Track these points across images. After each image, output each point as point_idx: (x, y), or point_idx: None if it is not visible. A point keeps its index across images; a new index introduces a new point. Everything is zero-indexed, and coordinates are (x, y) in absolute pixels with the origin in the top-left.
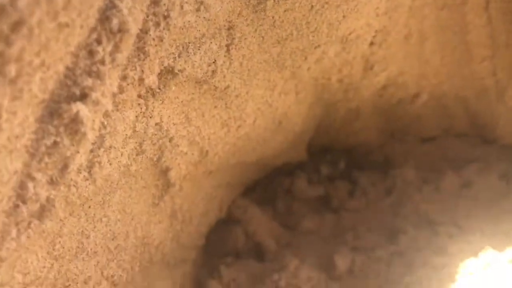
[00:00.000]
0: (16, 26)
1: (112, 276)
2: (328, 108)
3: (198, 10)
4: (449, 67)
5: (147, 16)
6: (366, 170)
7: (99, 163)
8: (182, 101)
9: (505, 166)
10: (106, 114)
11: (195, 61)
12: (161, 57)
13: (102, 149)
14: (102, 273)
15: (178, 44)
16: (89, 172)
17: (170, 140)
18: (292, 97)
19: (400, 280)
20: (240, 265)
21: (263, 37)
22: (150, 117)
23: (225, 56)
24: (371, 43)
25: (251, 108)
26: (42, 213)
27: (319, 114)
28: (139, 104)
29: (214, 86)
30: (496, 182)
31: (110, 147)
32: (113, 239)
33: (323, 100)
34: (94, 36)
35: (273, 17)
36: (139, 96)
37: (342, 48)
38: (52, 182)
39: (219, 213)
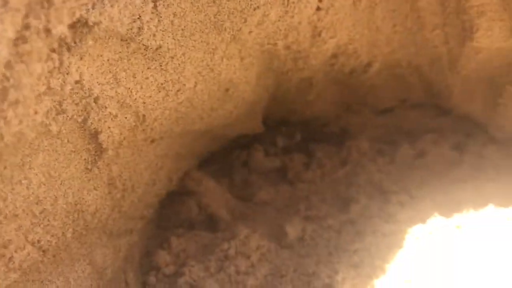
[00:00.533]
0: None
1: (39, 241)
2: (279, 78)
3: None
4: (401, 35)
5: None
6: (322, 142)
7: (4, 118)
8: (108, 60)
9: (459, 137)
10: (8, 65)
11: (113, 15)
12: (71, 7)
13: (6, 103)
14: (26, 237)
15: None
16: None
17: (95, 100)
18: (237, 63)
19: (350, 247)
20: (191, 235)
21: None
22: (67, 74)
23: (152, 12)
24: (318, 8)
25: (189, 71)
26: None
27: (271, 84)
28: (51, 58)
29: (144, 45)
30: (449, 152)
31: (17, 101)
32: (37, 203)
33: (273, 69)
34: None
35: None
36: (51, 49)
37: (285, 12)
38: None
39: (169, 184)
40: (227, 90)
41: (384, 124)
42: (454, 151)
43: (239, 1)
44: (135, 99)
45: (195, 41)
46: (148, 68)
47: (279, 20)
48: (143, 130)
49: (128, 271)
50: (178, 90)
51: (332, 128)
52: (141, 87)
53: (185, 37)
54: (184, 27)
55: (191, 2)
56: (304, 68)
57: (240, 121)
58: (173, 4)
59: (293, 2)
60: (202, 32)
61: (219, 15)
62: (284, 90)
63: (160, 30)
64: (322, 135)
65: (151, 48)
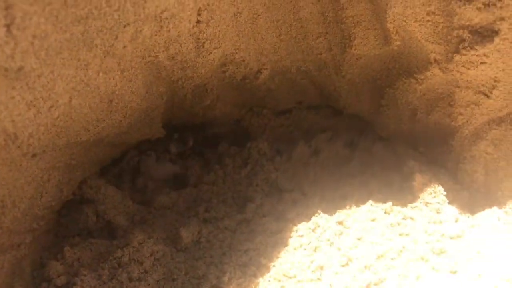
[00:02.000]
0: None
1: None
2: (172, 86)
3: None
4: (287, 43)
5: None
6: (225, 144)
7: None
8: None
9: (351, 135)
10: None
11: None
12: None
13: None
14: None
15: None
16: None
17: None
18: (117, 75)
19: (241, 247)
20: (87, 244)
21: (56, 16)
22: None
23: (6, 36)
24: (198, 21)
25: (61, 87)
26: None
27: (165, 92)
28: None
29: (3, 67)
30: (341, 150)
31: None
32: None
33: (163, 78)
34: None
35: None
36: None
37: (159, 27)
38: None
39: (60, 195)
40: (110, 101)
41: (283, 125)
42: (347, 149)
43: (107, 19)
44: (1, 118)
45: (63, 59)
46: (12, 88)
47: (155, 35)
48: (18, 146)
49: (16, 286)
50: (51, 107)
51: (235, 129)
52: (7, 107)
53: (51, 56)
54: (48, 46)
55: (53, 24)
56: (194, 77)
57: (135, 129)
58: (30, 27)
59: (166, 18)
60: (71, 50)
61: (87, 33)
62: (180, 96)
63: (19, 52)
64: (224, 137)
65: (11, 70)
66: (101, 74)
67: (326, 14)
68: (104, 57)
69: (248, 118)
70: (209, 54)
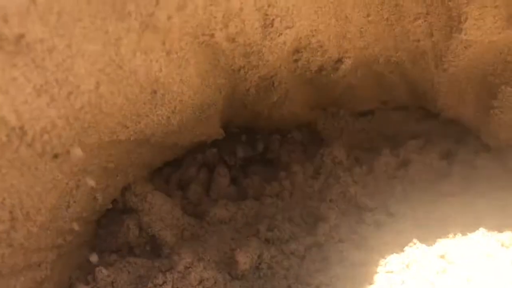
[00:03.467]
0: None
1: None
2: (232, 77)
3: None
4: (376, 26)
5: None
6: (292, 150)
7: None
8: None
9: (447, 144)
10: None
11: None
12: None
13: None
14: None
15: None
16: None
17: None
18: (161, 58)
19: (312, 280)
20: (124, 264)
21: None
22: None
23: None
24: None
25: (83, 69)
26: None
27: (224, 84)
28: None
29: None
30: (436, 161)
31: None
32: None
33: (221, 66)
34: None
35: None
36: None
37: None
38: None
39: (95, 204)
40: (154, 91)
41: (363, 129)
42: (443, 160)
43: None
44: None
45: (84, 28)
46: (13, 66)
47: (210, 5)
48: (29, 145)
49: None
50: (69, 93)
51: (304, 133)
52: (6, 91)
53: (65, 23)
54: (60, 9)
55: None
56: (259, 65)
57: (188, 128)
58: None
59: None
60: (94, 17)
61: None
62: (242, 91)
63: (17, 13)
64: (292, 142)
65: (8, 38)
66: (138, 54)
67: None
68: (142, 31)
69: (322, 120)
70: (278, 36)
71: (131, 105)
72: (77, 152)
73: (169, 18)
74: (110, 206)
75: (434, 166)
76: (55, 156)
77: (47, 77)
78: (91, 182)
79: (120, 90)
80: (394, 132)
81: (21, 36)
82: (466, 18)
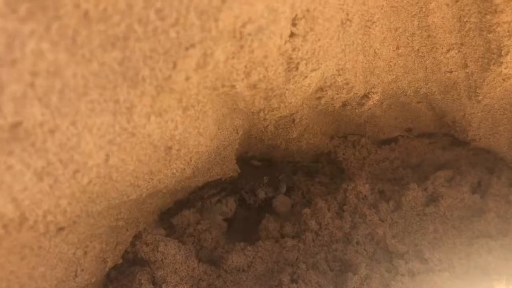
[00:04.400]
0: None
1: None
2: (251, 118)
3: None
4: (406, 59)
5: None
6: (312, 185)
7: None
8: None
9: (479, 174)
10: None
11: None
12: None
13: None
14: None
15: None
16: None
17: None
18: (177, 116)
19: None
20: None
21: (72, 39)
22: None
23: None
24: (292, 35)
25: (92, 144)
26: None
27: (241, 125)
28: None
29: None
30: (469, 196)
31: None
32: None
33: (239, 110)
34: None
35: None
36: None
37: (240, 47)
38: None
39: (105, 266)
40: (169, 148)
41: (387, 158)
42: (474, 194)
43: (159, 40)
44: None
45: (91, 102)
46: (9, 154)
47: (233, 58)
48: (31, 227)
49: None
50: (75, 172)
51: (324, 165)
52: (1, 182)
53: (69, 100)
54: (63, 86)
55: (67, 50)
56: (280, 107)
57: (203, 171)
58: (25, 58)
59: (249, 34)
60: (103, 88)
61: (128, 61)
62: (260, 129)
63: (10, 98)
64: (311, 175)
65: (5, 127)
66: (153, 117)
67: (466, 19)
68: (158, 94)
69: (342, 149)
70: (303, 79)
71: (143, 166)
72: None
73: (187, 79)
74: (121, 261)
75: (466, 201)
76: (61, 229)
77: (49, 159)
78: (99, 246)
79: (132, 156)
80: (419, 161)
81: (17, 124)
82: (508, 52)
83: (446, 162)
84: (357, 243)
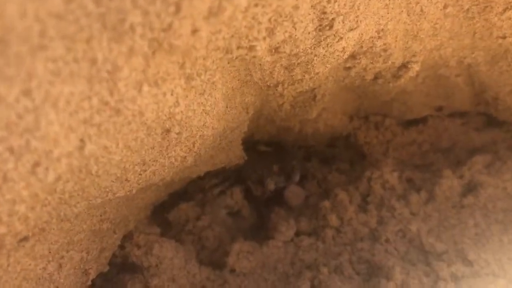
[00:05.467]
0: None
1: None
2: (265, 93)
3: None
4: (453, 21)
5: None
6: (328, 173)
7: None
8: None
9: None
10: None
11: None
12: None
13: None
14: None
15: None
16: None
17: None
18: (177, 87)
19: None
20: None
21: None
22: None
23: None
24: None
25: (57, 124)
26: None
27: (253, 102)
28: None
29: None
30: (511, 184)
31: None
32: None
33: (252, 84)
34: None
35: None
36: None
37: None
38: None
39: (86, 279)
40: (167, 131)
41: (415, 141)
42: None
43: None
44: None
45: (54, 61)
46: None
47: (255, 5)
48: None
49: None
50: (34, 165)
51: (341, 150)
52: None
53: (18, 56)
54: (6, 33)
55: None
56: (304, 79)
57: (205, 159)
58: None
59: None
60: (71, 39)
61: None
62: (274, 108)
63: None
64: (327, 162)
65: None
66: (146, 87)
67: None
68: (153, 53)
69: (363, 132)
70: (337, 41)
71: (133, 154)
72: None
73: (194, 31)
74: (107, 268)
75: (508, 190)
76: (23, 240)
77: None
78: (78, 256)
79: (118, 141)
80: (451, 144)
81: None
82: None
83: (481, 145)
84: (386, 241)
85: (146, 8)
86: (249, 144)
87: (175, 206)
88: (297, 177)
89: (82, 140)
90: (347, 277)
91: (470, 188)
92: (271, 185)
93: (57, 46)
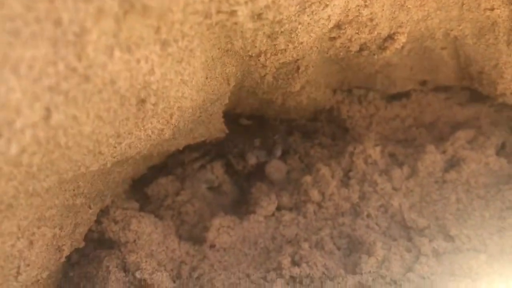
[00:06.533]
0: None
1: None
2: (246, 63)
3: None
4: None
5: None
6: (310, 148)
7: None
8: None
9: (503, 135)
10: None
11: None
12: None
13: None
14: None
15: None
16: None
17: None
18: (152, 53)
19: None
20: None
21: None
22: None
23: None
24: None
25: (19, 91)
26: None
27: (234, 72)
28: None
29: None
30: (494, 160)
31: None
32: None
33: (235, 52)
34: None
35: None
36: None
37: None
38: None
39: (60, 256)
40: (143, 101)
41: (398, 116)
42: (501, 157)
43: None
44: None
45: (12, 20)
46: None
47: None
48: None
49: None
50: None
51: (324, 124)
52: None
53: None
54: None
55: None
56: (287, 49)
57: (185, 132)
58: None
59: None
60: None
61: None
62: (255, 79)
63: None
64: (309, 136)
65: None
66: (118, 53)
67: None
68: (124, 14)
69: (346, 105)
70: (323, 9)
71: (106, 126)
72: None
73: None
74: (83, 244)
75: (491, 166)
76: None
77: None
78: (51, 232)
79: (88, 110)
80: (434, 118)
81: None
82: None
83: (464, 120)
84: (368, 216)
85: None
86: (231, 117)
87: (154, 180)
88: (279, 152)
89: (48, 109)
90: (328, 252)
91: (453, 164)
92: (252, 160)
93: (14, 4)
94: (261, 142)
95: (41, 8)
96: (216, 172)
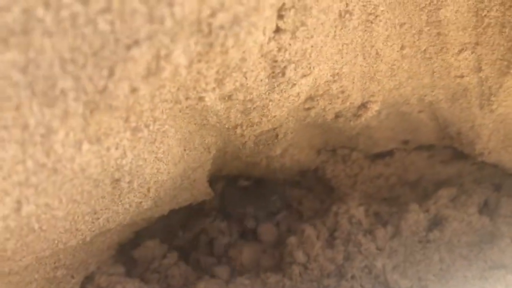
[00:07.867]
0: None
1: None
2: (225, 134)
3: None
4: (411, 61)
5: None
6: (298, 207)
7: None
8: None
9: (485, 192)
10: None
11: None
12: None
13: None
14: None
15: None
16: None
17: None
18: (123, 140)
19: None
20: None
21: None
22: None
23: None
24: (277, 30)
25: None
26: None
27: (214, 142)
28: None
29: None
30: (476, 219)
31: None
32: None
33: (211, 126)
34: None
35: None
36: None
37: (209, 45)
38: None
39: None
40: (117, 181)
41: (382, 175)
42: (483, 215)
43: (83, 36)
44: None
45: None
46: None
47: (198, 61)
48: None
49: None
50: None
51: (311, 184)
52: None
53: None
54: None
55: None
56: (262, 122)
57: (167, 200)
58: None
59: (221, 27)
60: None
61: (36, 67)
62: (237, 146)
63: None
64: (296, 196)
65: None
66: (86, 145)
67: (484, 13)
68: (91, 113)
69: (331, 165)
70: (291, 87)
71: (82, 206)
72: None
73: (133, 91)
74: None
75: (473, 224)
76: None
77: None
78: None
79: (61, 197)
80: (418, 177)
81: None
82: None
83: (447, 178)
84: (352, 277)
85: (77, 73)
86: (229, 180)
87: (141, 243)
88: (278, 216)
89: (18, 202)
90: None
91: (436, 222)
92: (250, 224)
93: None
94: (260, 206)
95: (8, 117)
96: (204, 238)
